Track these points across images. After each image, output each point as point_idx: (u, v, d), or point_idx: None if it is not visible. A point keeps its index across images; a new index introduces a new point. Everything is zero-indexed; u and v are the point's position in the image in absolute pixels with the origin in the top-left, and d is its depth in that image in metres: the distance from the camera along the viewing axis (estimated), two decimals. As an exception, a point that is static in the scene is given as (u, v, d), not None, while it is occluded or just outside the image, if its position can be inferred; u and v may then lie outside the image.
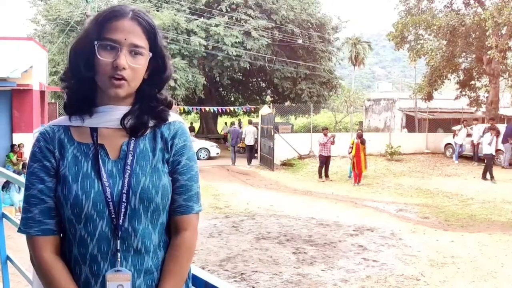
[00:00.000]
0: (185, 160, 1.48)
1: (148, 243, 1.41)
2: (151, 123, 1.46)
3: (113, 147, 1.43)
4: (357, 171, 16.55)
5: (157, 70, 1.47)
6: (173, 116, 1.52)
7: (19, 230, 1.43)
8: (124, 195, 1.38)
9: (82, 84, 1.41)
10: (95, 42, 1.37)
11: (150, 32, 1.42)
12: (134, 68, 1.38)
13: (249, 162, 20.79)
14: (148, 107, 1.46)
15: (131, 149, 1.43)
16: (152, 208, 1.40)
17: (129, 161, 1.41)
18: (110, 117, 1.43)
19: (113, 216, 1.37)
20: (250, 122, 22.71)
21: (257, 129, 21.59)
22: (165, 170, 1.45)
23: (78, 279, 1.39)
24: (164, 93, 1.51)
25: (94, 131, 1.43)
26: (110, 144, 1.43)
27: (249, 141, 21.03)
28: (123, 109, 1.44)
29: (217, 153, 23.42)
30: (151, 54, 1.42)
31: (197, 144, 21.99)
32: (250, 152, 21.14)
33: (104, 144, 1.43)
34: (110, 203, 1.37)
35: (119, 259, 1.38)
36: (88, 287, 1.38)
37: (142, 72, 1.42)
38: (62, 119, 1.47)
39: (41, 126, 16.12)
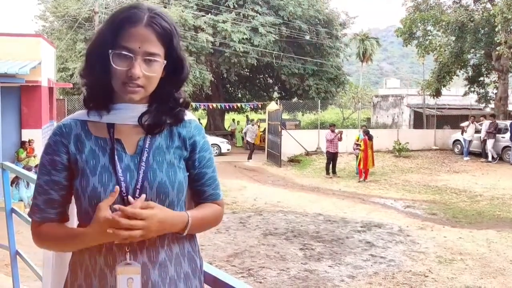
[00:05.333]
0: (208, 154, 1.57)
1: (162, 236, 1.43)
2: (167, 121, 1.50)
3: (130, 142, 1.47)
4: (362, 168, 16.54)
5: (174, 71, 1.48)
6: (188, 114, 1.56)
7: (28, 214, 1.53)
8: (138, 190, 1.41)
9: (99, 84, 1.44)
10: (110, 51, 1.38)
11: (166, 37, 1.42)
12: (148, 76, 1.40)
13: (250, 157, 21.41)
14: (166, 107, 1.49)
15: (146, 146, 1.46)
16: (168, 202, 1.44)
17: (144, 158, 1.44)
18: (127, 114, 1.46)
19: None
20: (251, 122, 23.46)
21: (259, 126, 22.48)
22: (180, 166, 1.49)
23: (93, 271, 1.42)
24: (182, 92, 1.54)
25: (111, 127, 1.46)
26: (127, 139, 1.47)
27: (250, 138, 21.89)
28: (140, 107, 1.47)
29: (228, 149, 23.59)
30: (165, 62, 1.43)
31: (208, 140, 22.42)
32: (251, 148, 21.87)
33: (121, 139, 1.46)
34: (125, 197, 1.40)
35: (128, 253, 1.40)
36: (103, 277, 1.40)
37: (157, 78, 1.44)
38: (81, 113, 1.50)
39: (50, 122, 16.21)
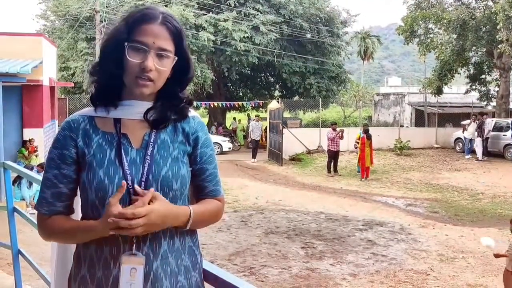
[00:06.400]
0: (210, 151, 1.62)
1: (165, 229, 1.48)
2: (172, 117, 1.56)
3: (136, 137, 1.52)
4: (360, 165, 16.57)
5: (181, 71, 1.55)
6: (192, 111, 1.62)
7: (35, 207, 1.56)
8: (143, 182, 1.46)
9: (110, 80, 1.50)
10: (125, 44, 1.45)
11: (177, 36, 1.50)
12: (160, 70, 1.47)
13: (254, 156, 20.69)
14: (170, 104, 1.55)
15: (151, 140, 1.52)
16: (171, 195, 1.48)
17: (149, 152, 1.50)
18: (134, 110, 1.53)
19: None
20: (255, 118, 22.59)
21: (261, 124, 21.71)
22: (184, 161, 1.54)
23: (97, 261, 1.46)
24: (185, 92, 1.60)
25: (117, 122, 1.52)
26: (133, 134, 1.52)
27: (256, 136, 21.07)
28: (146, 104, 1.53)
29: (229, 148, 23.49)
30: (176, 58, 1.51)
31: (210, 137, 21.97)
32: (256, 146, 21.04)
33: (128, 133, 1.51)
34: (131, 189, 1.44)
35: (135, 243, 1.44)
36: (107, 268, 1.45)
37: (166, 74, 1.51)
38: (88, 110, 1.57)
39: (51, 121, 16.23)
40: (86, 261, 1.48)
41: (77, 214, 1.58)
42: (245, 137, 27.84)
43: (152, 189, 1.42)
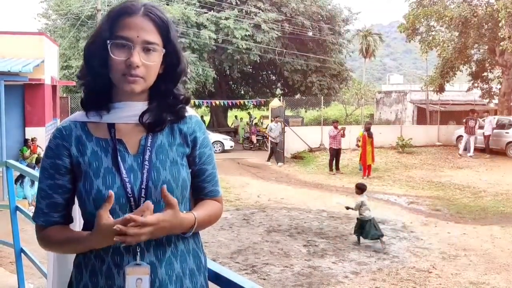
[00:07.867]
0: (209, 150, 1.56)
1: (169, 234, 1.43)
2: (168, 118, 1.48)
3: (132, 142, 1.45)
4: (362, 163, 16.57)
5: (172, 65, 1.47)
6: (189, 111, 1.54)
7: (32, 218, 1.51)
8: (143, 190, 1.40)
9: (98, 81, 1.42)
10: (108, 41, 1.38)
11: (163, 28, 1.42)
12: (148, 65, 1.39)
13: (279, 160, 19.46)
14: (166, 104, 1.47)
15: (148, 144, 1.45)
16: None
17: (147, 157, 1.43)
18: (128, 113, 1.45)
19: (135, 210, 1.37)
20: (274, 119, 20.64)
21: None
22: (183, 163, 1.48)
23: (100, 271, 1.41)
24: (180, 88, 1.52)
25: (111, 126, 1.45)
26: (129, 139, 1.45)
27: (276, 138, 19.54)
28: (139, 105, 1.46)
29: (231, 146, 23.42)
30: (164, 50, 1.42)
31: (211, 137, 21.48)
32: (272, 149, 19.84)
33: (123, 139, 1.44)
34: (131, 198, 1.39)
35: (138, 253, 1.39)
36: (111, 277, 1.39)
37: (156, 68, 1.43)
38: (80, 115, 1.48)
39: (53, 120, 16.25)
40: (87, 270, 1.43)
41: (77, 224, 1.55)
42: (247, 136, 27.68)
43: (148, 203, 1.33)
